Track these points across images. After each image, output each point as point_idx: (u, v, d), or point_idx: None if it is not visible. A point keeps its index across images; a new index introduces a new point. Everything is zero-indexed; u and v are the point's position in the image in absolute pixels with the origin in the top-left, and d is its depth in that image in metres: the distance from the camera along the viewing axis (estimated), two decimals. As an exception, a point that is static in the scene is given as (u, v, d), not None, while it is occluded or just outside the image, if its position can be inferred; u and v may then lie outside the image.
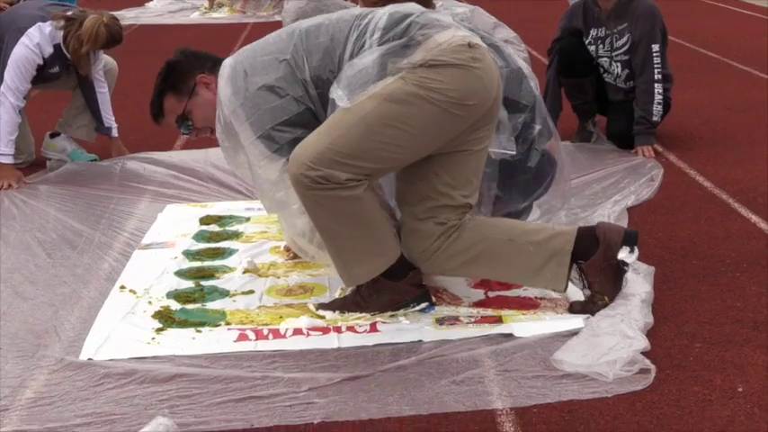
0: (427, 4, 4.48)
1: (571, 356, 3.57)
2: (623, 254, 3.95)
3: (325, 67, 3.95)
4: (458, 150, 3.95)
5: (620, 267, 3.98)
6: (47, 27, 6.08)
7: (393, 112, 3.81)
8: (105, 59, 6.66)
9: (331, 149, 3.78)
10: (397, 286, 4.01)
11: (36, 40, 6.06)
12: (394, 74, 3.84)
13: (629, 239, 3.98)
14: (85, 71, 6.29)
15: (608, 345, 3.61)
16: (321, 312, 4.06)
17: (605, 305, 3.94)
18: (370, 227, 3.91)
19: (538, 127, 4.35)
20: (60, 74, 6.33)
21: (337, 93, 3.86)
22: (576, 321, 3.90)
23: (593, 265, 3.97)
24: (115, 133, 6.64)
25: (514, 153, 4.20)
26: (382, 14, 3.98)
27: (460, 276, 4.20)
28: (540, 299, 4.13)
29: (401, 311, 4.01)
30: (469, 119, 3.90)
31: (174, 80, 4.25)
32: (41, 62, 6.12)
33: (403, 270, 4.01)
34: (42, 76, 6.23)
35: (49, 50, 6.12)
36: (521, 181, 4.35)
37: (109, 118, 6.58)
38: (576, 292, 4.06)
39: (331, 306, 4.09)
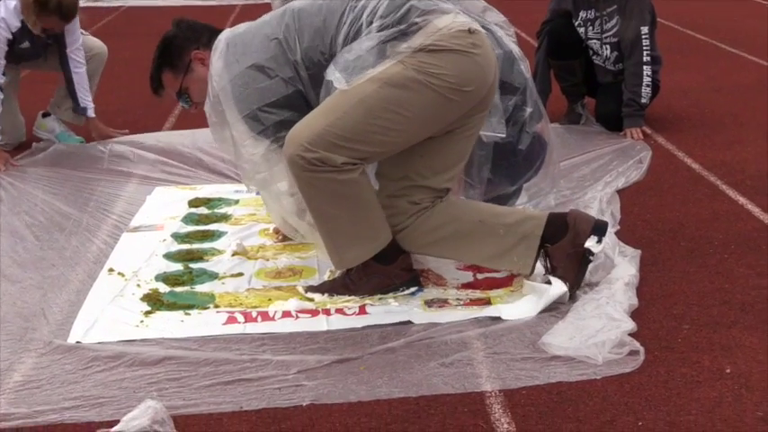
0: None
1: (559, 340, 3.57)
2: (590, 242, 3.94)
3: (316, 49, 3.93)
4: (446, 135, 3.95)
5: (586, 256, 3.96)
6: (11, 2, 6.05)
7: (392, 96, 3.80)
8: (93, 43, 6.64)
9: (329, 131, 3.78)
10: (387, 270, 4.01)
11: (1, 15, 6.03)
12: (393, 58, 3.83)
13: (598, 230, 3.97)
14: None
15: (595, 327, 3.61)
16: (310, 295, 4.06)
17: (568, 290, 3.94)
18: (362, 211, 3.90)
19: (529, 110, 4.35)
20: (35, 50, 6.29)
21: (335, 75, 3.85)
22: (560, 285, 3.89)
23: (560, 250, 3.95)
24: (91, 113, 6.55)
25: (504, 136, 4.20)
26: None
27: (430, 255, 4.19)
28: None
29: (390, 295, 4.01)
30: (466, 105, 3.90)
31: (170, 56, 4.24)
32: (10, 36, 6.09)
33: (393, 254, 4.00)
34: (15, 52, 6.20)
35: (16, 24, 6.07)
36: (511, 163, 4.36)
37: (84, 98, 6.50)
38: (541, 276, 4.05)
39: (320, 288, 4.09)
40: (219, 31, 4.22)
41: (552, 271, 3.96)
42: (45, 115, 6.64)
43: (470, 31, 3.88)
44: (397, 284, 4.04)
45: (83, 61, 6.46)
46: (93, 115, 6.57)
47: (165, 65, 4.26)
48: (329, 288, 4.07)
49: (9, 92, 6.38)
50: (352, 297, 4.01)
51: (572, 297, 3.91)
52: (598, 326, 3.62)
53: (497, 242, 3.98)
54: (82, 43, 6.48)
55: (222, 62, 4.01)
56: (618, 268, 4.13)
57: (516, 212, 4.12)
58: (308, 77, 3.94)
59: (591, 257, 3.97)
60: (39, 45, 6.29)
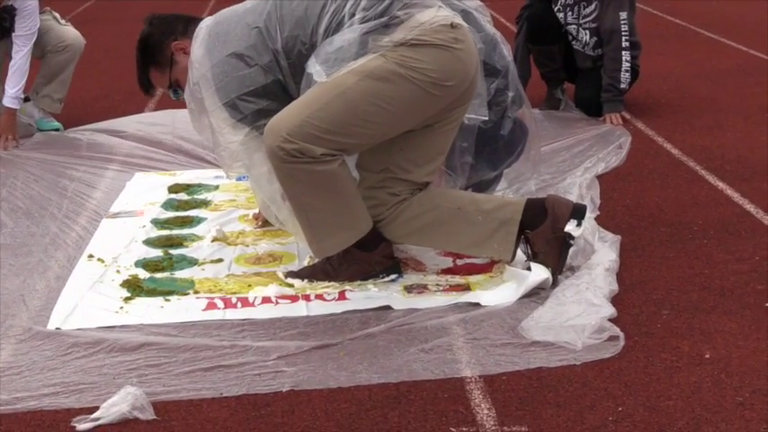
0: None
1: (538, 325, 3.58)
2: (570, 227, 3.94)
3: (296, 38, 3.92)
4: (426, 129, 3.95)
5: (566, 240, 3.96)
6: None
7: (373, 89, 3.80)
8: (67, 34, 6.56)
9: (308, 123, 3.77)
10: (367, 257, 4.01)
11: None
12: (374, 52, 3.82)
13: (577, 213, 3.97)
14: None
15: (574, 312, 3.62)
16: (290, 281, 4.06)
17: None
18: (341, 200, 3.90)
19: (511, 94, 4.35)
20: None
21: (315, 68, 3.84)
22: (541, 272, 3.90)
23: (540, 236, 3.96)
24: (8, 103, 6.26)
25: (486, 118, 4.20)
26: None
27: (411, 245, 4.20)
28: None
29: (370, 281, 4.02)
30: (446, 99, 3.89)
31: (152, 54, 4.23)
32: None
33: (374, 241, 4.01)
34: None
35: None
36: (493, 149, 4.36)
37: (12, 86, 6.24)
38: (522, 263, 4.06)
39: (300, 274, 4.09)
40: (194, 18, 4.22)
41: (533, 257, 3.97)
42: (26, 100, 6.59)
43: (453, 26, 3.88)
44: (377, 271, 4.04)
45: (23, 49, 6.26)
46: (12, 106, 6.28)
47: (150, 63, 4.25)
48: (309, 274, 4.07)
49: None
50: (332, 283, 4.01)
51: (554, 282, 3.91)
52: (578, 311, 3.63)
53: (476, 229, 3.98)
54: (47, 33, 6.42)
55: (203, 50, 4.00)
56: (598, 254, 4.14)
57: (494, 199, 4.12)
58: (287, 67, 3.93)
59: (571, 241, 3.98)
60: None
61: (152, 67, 4.25)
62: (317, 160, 3.79)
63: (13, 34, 6.27)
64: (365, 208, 3.97)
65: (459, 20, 3.95)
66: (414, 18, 3.84)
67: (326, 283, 4.01)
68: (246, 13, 4.04)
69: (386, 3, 3.86)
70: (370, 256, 4.02)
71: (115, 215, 4.98)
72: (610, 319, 3.59)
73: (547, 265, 3.92)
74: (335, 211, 3.91)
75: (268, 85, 3.94)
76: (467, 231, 4.00)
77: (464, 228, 4.00)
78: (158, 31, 4.23)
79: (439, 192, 4.11)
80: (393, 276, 4.05)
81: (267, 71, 3.93)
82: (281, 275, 4.11)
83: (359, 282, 4.01)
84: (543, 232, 3.95)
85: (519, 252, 4.03)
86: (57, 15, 6.64)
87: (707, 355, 3.42)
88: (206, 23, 4.09)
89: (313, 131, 3.77)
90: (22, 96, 6.34)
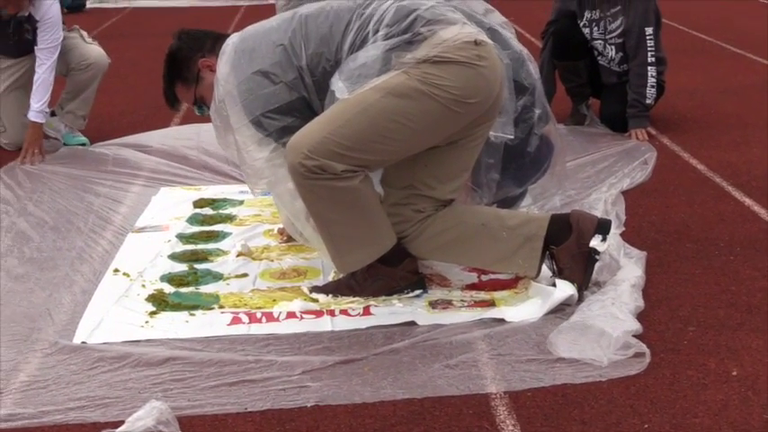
0: None
1: (564, 341, 3.57)
2: (595, 242, 3.93)
3: (321, 55, 3.92)
4: (450, 145, 3.95)
5: (592, 255, 3.95)
6: None
7: (395, 106, 3.79)
8: (90, 52, 6.59)
9: (330, 140, 3.77)
10: (392, 272, 4.01)
11: None
12: (397, 68, 3.82)
13: (602, 228, 3.96)
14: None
15: (600, 328, 3.60)
16: (314, 295, 4.06)
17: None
18: (364, 216, 3.90)
19: (538, 111, 4.34)
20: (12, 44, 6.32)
21: (338, 85, 3.84)
22: (566, 288, 3.89)
23: (565, 251, 3.95)
24: (33, 117, 6.29)
25: (512, 137, 4.19)
26: (388, 7, 3.93)
27: (436, 260, 4.19)
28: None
29: (395, 296, 4.01)
30: (470, 116, 3.89)
31: (178, 69, 4.24)
32: None
33: (399, 257, 4.00)
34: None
35: None
36: (519, 166, 4.35)
37: (37, 100, 6.26)
38: (547, 279, 4.05)
39: (324, 289, 4.09)
40: (223, 35, 4.22)
41: (559, 273, 3.96)
42: (52, 114, 6.62)
43: (476, 43, 3.86)
44: (402, 286, 4.04)
45: (47, 62, 6.29)
46: (37, 120, 6.30)
47: (176, 78, 4.26)
48: (334, 289, 4.07)
49: (15, 89, 6.39)
50: (357, 298, 4.01)
51: (580, 298, 3.90)
52: (603, 327, 3.61)
53: (501, 246, 3.98)
54: (71, 51, 6.48)
55: (228, 67, 4.01)
56: (623, 270, 4.12)
57: (519, 215, 4.11)
58: (312, 84, 3.94)
59: (597, 257, 3.97)
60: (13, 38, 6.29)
61: (178, 82, 4.26)
62: (339, 177, 3.79)
63: (36, 48, 6.32)
64: (389, 224, 3.97)
65: (483, 37, 3.93)
66: (437, 35, 3.84)
67: (351, 299, 4.01)
68: (272, 31, 4.04)
69: (409, 19, 3.86)
70: (395, 272, 4.01)
71: (141, 230, 5.00)
72: (636, 336, 3.58)
73: (572, 281, 3.91)
74: (358, 227, 3.91)
75: (293, 102, 3.94)
76: (491, 247, 3.99)
77: (489, 244, 3.99)
78: (186, 47, 4.24)
79: (463, 208, 4.11)
80: (417, 292, 4.04)
81: (292, 88, 3.94)
82: (305, 290, 4.11)
83: (383, 297, 4.01)
84: (568, 248, 3.94)
85: (544, 268, 4.02)
86: (84, 34, 6.68)
87: (734, 373, 3.40)
88: (232, 40, 4.09)
89: (334, 148, 3.77)
90: (48, 110, 6.37)
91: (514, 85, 4.23)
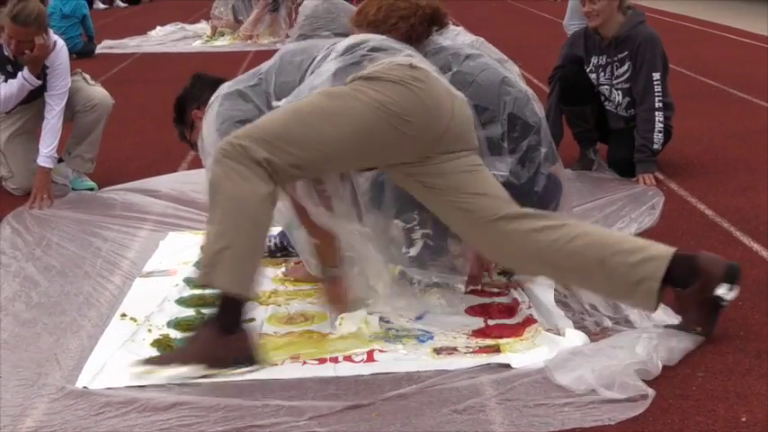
0: (440, 22, 4.52)
1: (569, 376, 3.57)
2: (722, 290, 3.88)
3: (288, 84, 4.13)
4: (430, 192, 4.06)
5: (717, 303, 3.90)
6: None
7: (324, 104, 3.92)
8: (94, 94, 6.62)
9: (256, 128, 3.90)
10: (227, 341, 3.82)
11: None
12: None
13: (731, 275, 3.90)
14: (32, 71, 6.28)
15: (605, 364, 3.60)
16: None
17: (698, 334, 3.91)
18: (249, 241, 3.81)
19: (544, 150, 4.37)
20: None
21: (279, 104, 4.07)
22: (575, 338, 3.91)
23: (689, 297, 3.90)
24: (42, 162, 6.30)
25: (506, 174, 4.22)
26: (346, 40, 4.15)
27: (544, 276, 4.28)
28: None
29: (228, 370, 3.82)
30: (412, 139, 3.93)
31: (180, 112, 4.62)
32: None
33: (238, 321, 3.86)
34: None
35: None
36: (527, 205, 4.35)
37: (46, 145, 6.29)
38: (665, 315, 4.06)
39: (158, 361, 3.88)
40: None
41: (682, 314, 3.95)
42: (60, 161, 6.64)
43: (412, 66, 3.97)
44: (230, 360, 3.82)
45: (56, 108, 6.33)
46: (46, 165, 6.31)
47: (177, 120, 4.65)
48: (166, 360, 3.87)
49: (21, 133, 6.43)
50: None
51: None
52: (610, 363, 3.61)
53: (617, 282, 3.90)
54: (76, 93, 6.51)
55: (209, 127, 4.20)
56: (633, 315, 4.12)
57: (640, 249, 3.94)
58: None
59: (723, 304, 3.92)
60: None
61: (178, 124, 4.64)
62: (256, 162, 3.77)
63: (46, 93, 6.35)
64: (259, 275, 3.94)
65: (423, 65, 4.04)
66: (378, 59, 4.01)
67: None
68: (260, 67, 4.30)
69: (360, 48, 4.07)
70: (228, 340, 3.82)
71: (148, 274, 5.00)
72: (644, 381, 3.56)
73: (694, 325, 3.90)
74: (239, 247, 3.78)
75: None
76: (607, 283, 3.94)
77: (605, 280, 3.93)
78: (189, 95, 4.59)
79: (583, 238, 3.96)
80: (246, 369, 3.83)
81: (260, 110, 4.13)
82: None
83: (352, 350, 3.99)
84: (692, 294, 3.89)
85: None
86: (87, 77, 6.72)
87: (743, 419, 3.39)
88: (222, 90, 4.28)
89: (259, 134, 3.84)
90: (56, 156, 6.38)
91: (521, 125, 4.26)
